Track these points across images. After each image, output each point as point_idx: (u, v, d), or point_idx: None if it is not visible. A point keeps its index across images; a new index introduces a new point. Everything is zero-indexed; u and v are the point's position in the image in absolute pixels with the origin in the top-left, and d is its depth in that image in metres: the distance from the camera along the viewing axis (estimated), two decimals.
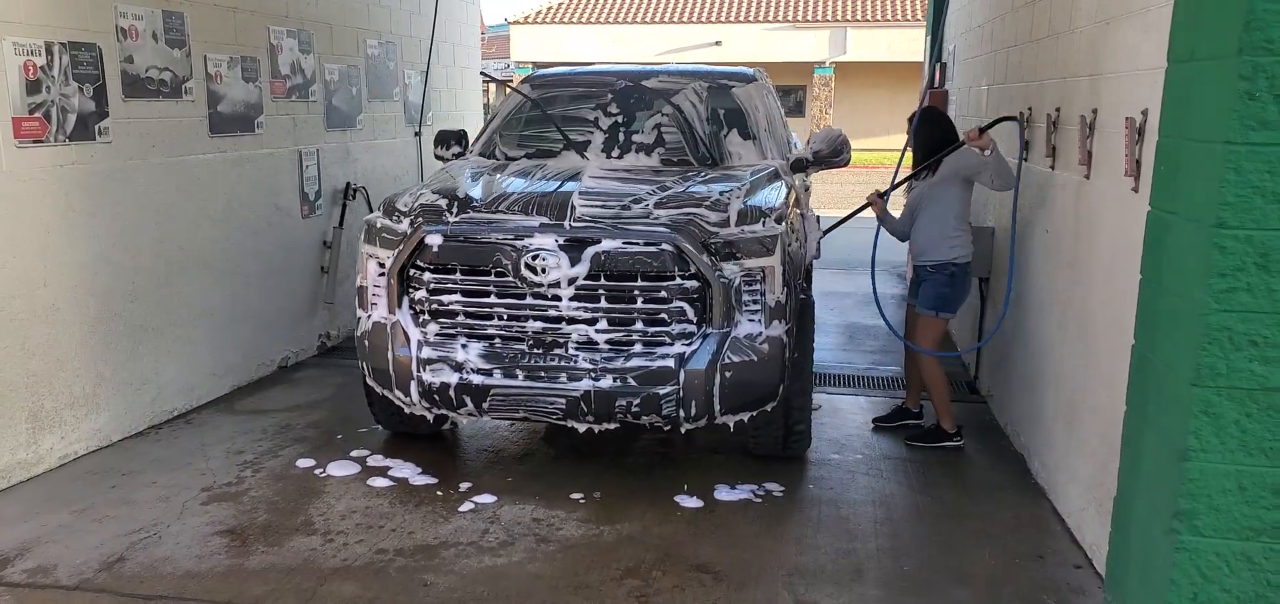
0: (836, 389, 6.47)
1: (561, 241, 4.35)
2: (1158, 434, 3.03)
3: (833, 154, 5.88)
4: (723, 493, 4.64)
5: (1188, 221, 2.87)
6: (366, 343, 4.68)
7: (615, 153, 5.63)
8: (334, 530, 4.20)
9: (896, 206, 5.65)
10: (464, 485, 4.69)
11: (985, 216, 6.68)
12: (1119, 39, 3.99)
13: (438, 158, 6.27)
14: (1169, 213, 3.03)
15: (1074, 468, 4.35)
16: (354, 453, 5.09)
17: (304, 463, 4.97)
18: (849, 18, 31.60)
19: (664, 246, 4.32)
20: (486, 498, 4.54)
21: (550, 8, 33.99)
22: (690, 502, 4.54)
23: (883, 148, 28.99)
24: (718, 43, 32.62)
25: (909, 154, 5.63)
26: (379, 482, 4.72)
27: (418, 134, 9.04)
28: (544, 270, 4.32)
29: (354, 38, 7.89)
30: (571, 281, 4.33)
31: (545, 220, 4.41)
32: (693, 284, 4.35)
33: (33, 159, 4.73)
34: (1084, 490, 4.17)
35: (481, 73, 6.47)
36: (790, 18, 32.30)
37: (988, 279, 6.28)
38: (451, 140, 6.26)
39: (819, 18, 32.04)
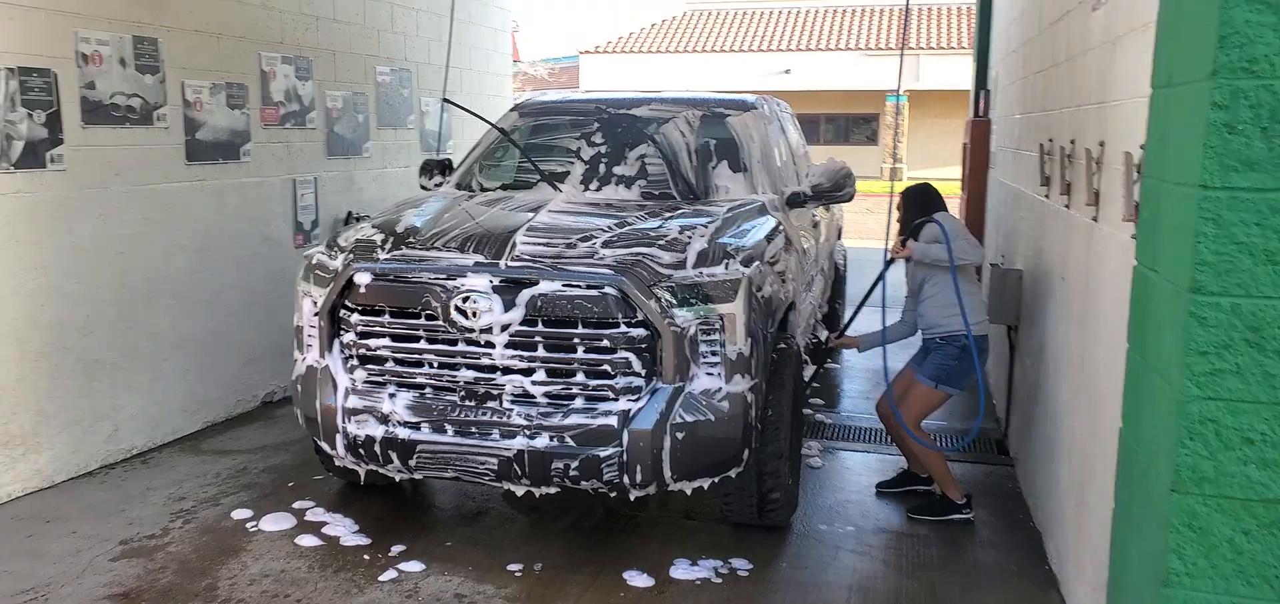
0: (850, 444, 5.90)
1: (496, 283, 3.93)
2: (1140, 547, 2.46)
3: (834, 188, 5.37)
4: (680, 569, 4.13)
5: (1167, 283, 2.31)
6: (299, 388, 4.34)
7: (594, 185, 5.20)
8: (235, 599, 3.83)
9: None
10: (397, 548, 4.28)
11: (1013, 259, 6.06)
12: (1124, 61, 3.41)
13: (422, 188, 5.94)
14: (1151, 270, 2.47)
15: (1082, 559, 3.73)
16: (297, 504, 4.74)
17: (240, 514, 4.63)
18: (922, 46, 30.69)
19: (607, 290, 3.87)
20: (414, 565, 4.12)
21: (620, 38, 33.91)
22: (640, 580, 4.04)
23: (955, 178, 28.02)
24: (787, 71, 32.03)
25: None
26: (308, 540, 4.35)
27: None
28: (475, 314, 3.90)
29: (362, 64, 7.65)
30: (505, 327, 3.91)
31: (480, 259, 4.00)
32: (640, 332, 3.88)
33: None
34: (1091, 591, 3.55)
35: (444, 99, 6.10)
36: (862, 46, 31.56)
37: (1016, 327, 5.66)
38: (434, 170, 5.94)
39: (892, 45, 31.21)
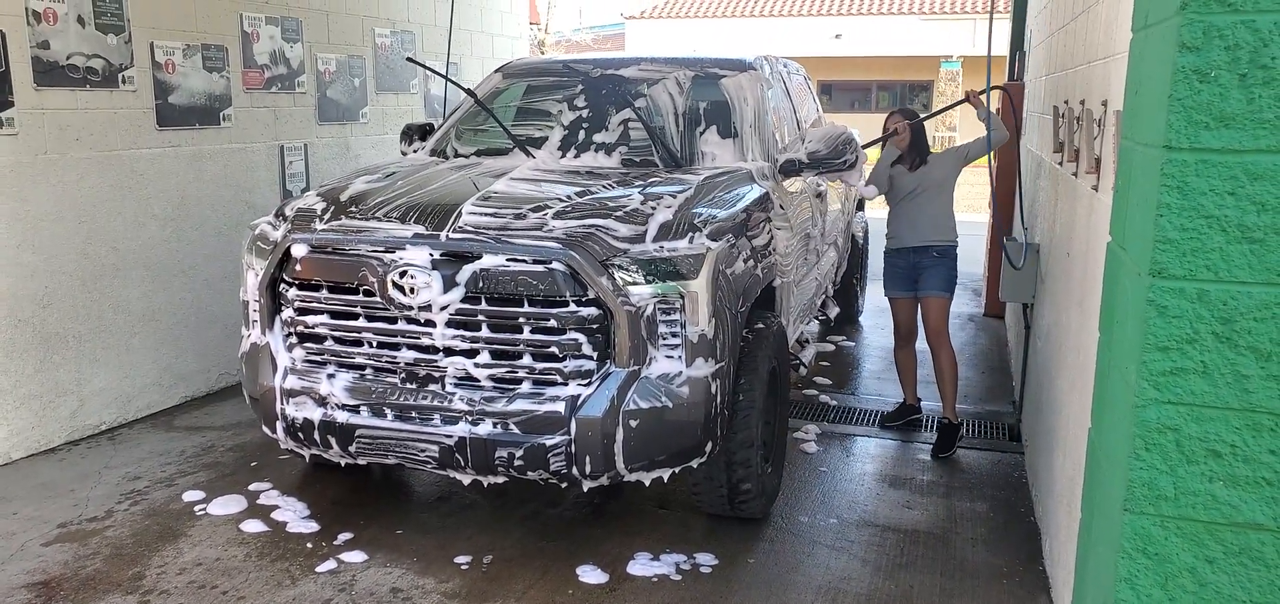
0: (852, 428, 5.52)
1: (436, 256, 3.65)
2: (1095, 570, 2.10)
3: (832, 155, 4.97)
4: (639, 565, 3.84)
5: (1130, 263, 1.94)
6: (243, 366, 4.12)
7: (572, 152, 4.89)
8: (159, 590, 3.62)
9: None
10: (343, 536, 4.05)
11: (1034, 233, 5.62)
12: (1131, 8, 3.00)
13: (402, 154, 5.68)
14: (1121, 248, 2.09)
15: (1070, 563, 3.36)
16: (253, 486, 4.53)
17: (191, 496, 4.43)
18: (978, 10, 29.69)
19: (554, 265, 3.56)
20: (356, 556, 3.88)
21: (666, 3, 33.32)
22: (593, 575, 3.76)
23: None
24: (838, 36, 31.24)
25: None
26: (253, 526, 4.13)
27: None
28: (413, 290, 3.62)
29: (358, 26, 7.39)
30: (445, 306, 3.62)
31: (420, 231, 3.71)
32: (592, 312, 3.57)
33: None
34: None
35: (408, 57, 5.81)
36: (917, 9, 30.66)
37: (1031, 306, 5.25)
38: (415, 135, 5.67)
39: (946, 9, 30.27)
